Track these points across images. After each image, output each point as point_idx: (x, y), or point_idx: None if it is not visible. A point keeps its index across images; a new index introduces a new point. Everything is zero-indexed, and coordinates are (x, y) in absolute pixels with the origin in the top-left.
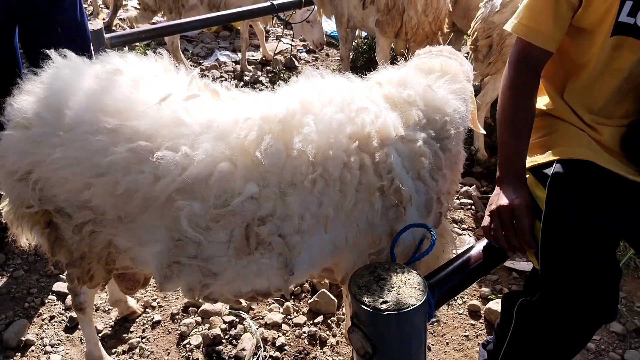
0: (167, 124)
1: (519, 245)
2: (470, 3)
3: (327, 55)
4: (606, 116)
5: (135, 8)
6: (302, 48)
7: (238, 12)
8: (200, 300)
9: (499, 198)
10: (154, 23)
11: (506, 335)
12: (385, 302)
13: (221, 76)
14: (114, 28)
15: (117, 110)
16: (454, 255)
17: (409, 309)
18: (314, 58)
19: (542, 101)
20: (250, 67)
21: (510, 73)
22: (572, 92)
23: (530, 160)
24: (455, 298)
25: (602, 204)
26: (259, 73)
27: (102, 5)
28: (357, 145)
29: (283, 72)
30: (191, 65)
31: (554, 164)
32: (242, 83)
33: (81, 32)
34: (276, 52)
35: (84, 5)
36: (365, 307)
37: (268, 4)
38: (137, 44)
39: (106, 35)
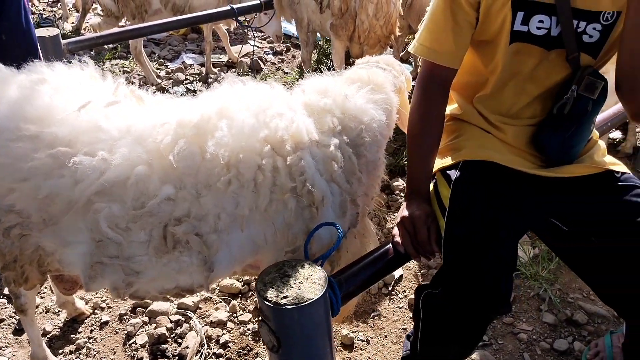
0: (86, 130)
1: (423, 251)
2: (423, 6)
3: (294, 57)
4: (513, 117)
5: (98, 14)
6: (268, 50)
7: (197, 16)
8: (126, 298)
9: (403, 211)
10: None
11: (419, 326)
12: (285, 297)
13: (186, 79)
14: (82, 32)
15: (38, 118)
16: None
17: (306, 303)
18: (279, 60)
19: (451, 107)
20: (215, 70)
21: (418, 92)
22: (481, 99)
23: (440, 162)
24: (397, 292)
25: (503, 201)
26: (224, 75)
27: (72, 9)
28: (270, 149)
29: (249, 73)
30: (157, 68)
31: (459, 165)
32: (206, 85)
33: (27, 38)
34: (242, 54)
35: (54, 9)
36: (267, 303)
37: (228, 7)
38: (106, 47)
39: (63, 42)
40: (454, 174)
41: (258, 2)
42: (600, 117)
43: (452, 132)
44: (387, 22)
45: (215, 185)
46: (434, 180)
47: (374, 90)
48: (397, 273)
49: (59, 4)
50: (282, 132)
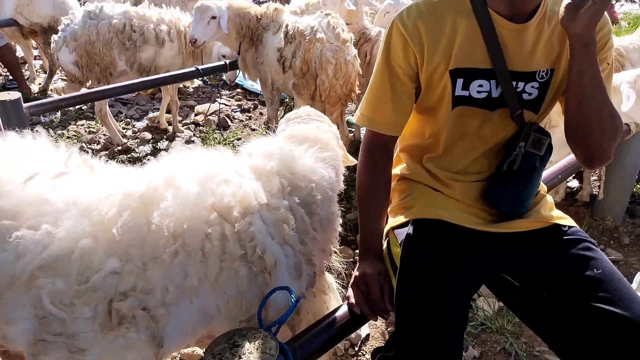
0: (32, 202)
1: (377, 310)
2: None
3: (261, 114)
4: (462, 173)
5: (62, 79)
6: (236, 108)
7: (163, 77)
8: None
9: (356, 271)
10: None
11: None
12: None
13: (153, 138)
14: (50, 92)
15: None
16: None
17: None
18: (247, 117)
19: (400, 167)
20: (182, 128)
21: (363, 157)
22: (430, 159)
23: (392, 221)
24: (364, 352)
25: (451, 258)
26: (192, 133)
27: (40, 70)
28: (217, 216)
29: (216, 130)
30: (123, 128)
31: (410, 224)
32: (172, 144)
33: None
34: (209, 112)
35: (22, 70)
36: None
37: (193, 68)
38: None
39: (25, 105)
40: (404, 232)
41: (223, 62)
42: (550, 170)
43: (402, 192)
44: (347, 82)
45: (161, 257)
46: (387, 239)
47: (321, 148)
48: (363, 332)
49: (27, 65)
50: (229, 199)
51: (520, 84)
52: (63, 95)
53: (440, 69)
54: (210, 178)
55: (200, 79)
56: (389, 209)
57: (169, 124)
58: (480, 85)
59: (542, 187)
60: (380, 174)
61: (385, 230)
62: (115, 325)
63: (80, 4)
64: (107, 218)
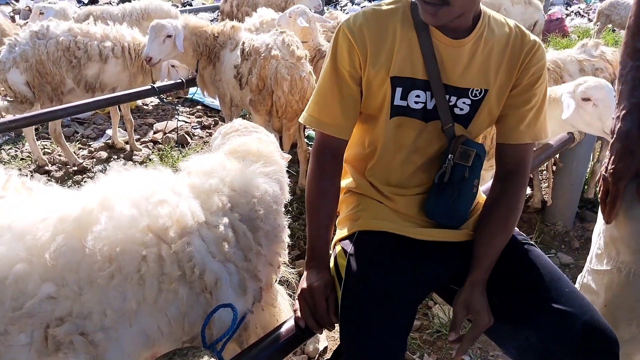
0: None
1: (323, 323)
2: None
3: None
4: (402, 187)
5: (6, 99)
6: (196, 124)
7: (118, 96)
8: None
9: (303, 282)
10: None
11: None
12: None
13: (110, 157)
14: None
15: None
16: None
17: None
18: (207, 134)
19: (347, 181)
20: (140, 147)
21: (313, 164)
22: (371, 171)
23: (339, 233)
24: None
25: (396, 269)
26: (150, 152)
27: None
28: (153, 237)
29: (175, 148)
30: (79, 148)
31: (355, 235)
32: (130, 163)
33: None
34: (168, 129)
35: None
36: None
37: (149, 86)
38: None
39: None
40: (349, 243)
41: (180, 80)
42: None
43: (349, 204)
44: (303, 97)
45: (97, 281)
46: (334, 250)
47: (265, 163)
48: (321, 345)
49: None
50: (165, 219)
51: (453, 98)
52: (15, 117)
53: (381, 75)
54: (146, 198)
55: (156, 96)
56: (337, 221)
57: (126, 142)
58: (418, 96)
59: (480, 197)
60: (329, 182)
61: (333, 242)
62: (53, 352)
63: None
64: (40, 242)
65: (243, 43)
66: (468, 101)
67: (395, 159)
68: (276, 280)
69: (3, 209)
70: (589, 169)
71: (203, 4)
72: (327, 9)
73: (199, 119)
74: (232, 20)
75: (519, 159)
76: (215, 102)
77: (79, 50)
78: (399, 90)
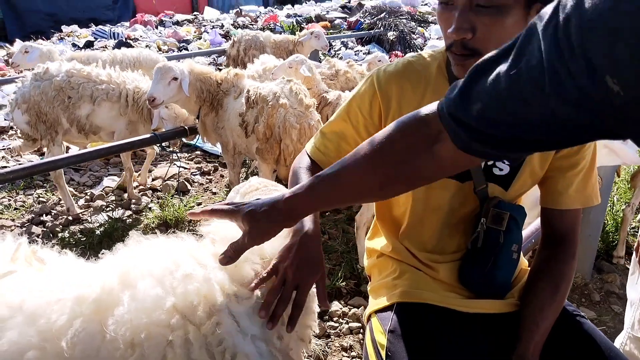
0: None
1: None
2: None
3: (222, 176)
4: (439, 253)
5: (18, 137)
6: (195, 171)
7: (119, 145)
8: None
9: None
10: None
11: None
12: None
13: (107, 206)
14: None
15: None
16: None
17: None
18: (207, 180)
19: (380, 243)
20: (138, 194)
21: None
22: (405, 235)
23: (374, 303)
24: None
25: (440, 345)
26: (149, 200)
27: None
28: (180, 318)
29: (175, 196)
30: (74, 196)
31: (394, 308)
32: (129, 212)
33: None
34: (167, 176)
35: None
36: None
37: (151, 134)
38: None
39: None
40: (389, 317)
41: (182, 127)
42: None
43: (384, 269)
44: None
45: None
46: (369, 323)
47: None
48: None
49: None
50: (193, 297)
51: None
52: (9, 169)
53: None
54: (170, 273)
55: (158, 145)
56: (369, 288)
57: (124, 190)
58: None
59: (523, 263)
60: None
61: (367, 312)
62: None
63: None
64: (56, 327)
65: (248, 91)
66: (508, 161)
67: (428, 222)
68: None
69: (13, 285)
70: (621, 215)
71: (199, 48)
72: (323, 55)
73: (198, 165)
74: (240, 64)
75: (568, 225)
76: (214, 148)
77: (72, 90)
78: None
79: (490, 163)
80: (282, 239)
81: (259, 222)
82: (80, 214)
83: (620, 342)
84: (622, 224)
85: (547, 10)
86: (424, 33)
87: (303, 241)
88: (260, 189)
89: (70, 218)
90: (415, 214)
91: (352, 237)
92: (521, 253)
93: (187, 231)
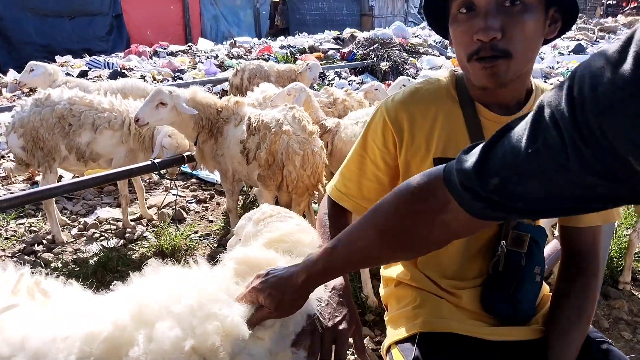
0: None
1: None
2: (344, 156)
3: (218, 204)
4: (460, 279)
5: (11, 160)
6: (191, 199)
7: (117, 173)
8: None
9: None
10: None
11: None
12: None
13: (101, 235)
14: None
15: None
16: None
17: None
18: (204, 208)
19: (397, 271)
20: (133, 224)
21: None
22: (423, 261)
23: (394, 334)
24: None
25: None
26: (144, 229)
27: None
28: None
29: (171, 224)
30: (66, 225)
31: (417, 338)
32: (122, 241)
33: None
34: (163, 204)
35: None
36: None
37: (149, 162)
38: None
39: None
40: (411, 348)
41: (180, 155)
42: None
43: (403, 298)
44: (315, 172)
45: None
46: (389, 354)
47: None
48: None
49: None
50: (214, 338)
51: None
52: (4, 197)
53: (420, 155)
54: (192, 312)
55: (156, 172)
56: (387, 318)
57: (116, 220)
58: None
59: (545, 288)
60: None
61: (387, 344)
62: None
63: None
64: None
65: (249, 118)
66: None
67: (448, 247)
68: None
69: (14, 320)
70: (624, 240)
71: (194, 78)
72: (320, 85)
73: (194, 193)
74: (244, 92)
75: (589, 243)
76: (210, 176)
77: (73, 117)
78: None
79: None
80: None
81: (280, 304)
82: (73, 244)
83: None
84: (628, 249)
85: (555, 95)
86: (415, 63)
87: (334, 295)
88: (275, 215)
89: (63, 248)
90: None
91: None
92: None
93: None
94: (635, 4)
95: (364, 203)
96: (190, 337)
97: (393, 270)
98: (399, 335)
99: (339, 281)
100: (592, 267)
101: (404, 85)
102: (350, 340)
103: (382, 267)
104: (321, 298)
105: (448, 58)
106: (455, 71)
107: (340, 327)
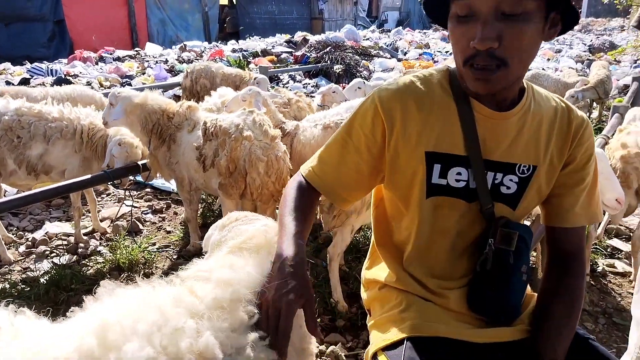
0: None
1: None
2: (304, 158)
3: (175, 213)
4: (448, 278)
5: None
6: (147, 209)
7: (67, 185)
8: None
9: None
10: None
11: None
12: None
13: (51, 252)
14: None
15: None
16: None
17: None
18: (160, 218)
19: (382, 273)
20: (86, 238)
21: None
22: (410, 260)
23: (380, 338)
24: None
25: None
26: (97, 243)
27: None
28: None
29: (127, 237)
30: (13, 242)
31: (405, 343)
32: (75, 257)
33: None
34: (117, 216)
35: None
36: None
37: (101, 172)
38: None
39: None
40: (399, 354)
41: (135, 164)
42: None
43: (388, 302)
44: (279, 178)
45: None
46: None
47: None
48: None
49: None
50: (188, 356)
51: (499, 175)
52: None
53: (410, 147)
54: (159, 329)
55: (110, 183)
56: (371, 323)
57: (67, 235)
58: (459, 174)
59: (527, 288)
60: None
61: (372, 350)
62: None
63: None
64: None
65: (205, 123)
66: (515, 178)
67: (436, 245)
68: None
69: None
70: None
71: (143, 83)
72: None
73: (149, 203)
74: (194, 94)
75: (575, 243)
76: (166, 184)
77: (23, 129)
78: (437, 167)
79: (497, 181)
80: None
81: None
82: (13, 261)
83: None
84: (587, 242)
85: None
86: (368, 66)
87: (283, 265)
88: (240, 219)
89: (9, 268)
90: (421, 238)
91: (321, 269)
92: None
93: (143, 275)
94: None
95: (339, 189)
96: (163, 355)
97: (377, 273)
98: (385, 340)
99: (290, 251)
100: (578, 267)
101: (359, 88)
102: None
103: (364, 269)
104: (263, 272)
105: (399, 60)
106: (448, 66)
107: (286, 298)
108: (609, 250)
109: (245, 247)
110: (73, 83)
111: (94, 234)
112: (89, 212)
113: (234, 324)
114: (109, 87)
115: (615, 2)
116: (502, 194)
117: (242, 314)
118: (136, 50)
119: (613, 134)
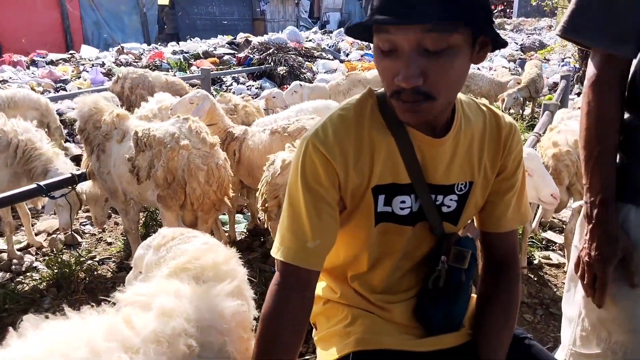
0: None
1: None
2: (252, 164)
3: (116, 224)
4: (391, 293)
5: None
6: (85, 220)
7: None
8: None
9: None
10: None
11: None
12: None
13: None
14: None
15: None
16: None
17: None
18: (100, 230)
19: (327, 289)
20: (19, 254)
21: (275, 294)
22: (354, 278)
23: (327, 354)
24: None
25: None
26: (33, 258)
27: None
28: None
29: (65, 250)
30: None
31: (350, 358)
32: (9, 274)
33: None
34: (53, 229)
35: None
36: None
37: (34, 185)
38: None
39: None
40: None
41: (69, 175)
42: None
43: (333, 316)
44: (221, 186)
45: None
46: None
47: (227, 278)
48: None
49: None
50: None
51: (440, 197)
52: None
53: (364, 186)
54: None
55: (44, 196)
56: (316, 338)
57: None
58: (403, 202)
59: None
60: (293, 321)
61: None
62: None
63: None
64: None
65: (136, 133)
66: (455, 197)
67: (381, 266)
68: None
69: None
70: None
71: (79, 88)
72: (215, 90)
73: (88, 214)
74: (125, 102)
75: (509, 247)
76: None
77: None
78: (381, 197)
79: (438, 202)
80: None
81: None
82: None
83: (562, 358)
84: (523, 236)
85: None
86: (311, 67)
87: None
88: (177, 237)
89: None
90: (369, 262)
91: (270, 275)
92: None
93: (83, 290)
94: (502, 7)
95: (322, 251)
96: None
97: (319, 289)
98: (330, 355)
99: None
100: (513, 269)
101: (295, 92)
102: None
103: None
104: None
105: (342, 62)
106: (375, 91)
107: None
108: (544, 242)
109: (190, 267)
110: (1, 89)
111: (29, 249)
112: (23, 227)
113: (173, 358)
114: (42, 93)
115: (543, 3)
116: (444, 213)
117: (182, 348)
118: (71, 53)
119: (544, 132)
